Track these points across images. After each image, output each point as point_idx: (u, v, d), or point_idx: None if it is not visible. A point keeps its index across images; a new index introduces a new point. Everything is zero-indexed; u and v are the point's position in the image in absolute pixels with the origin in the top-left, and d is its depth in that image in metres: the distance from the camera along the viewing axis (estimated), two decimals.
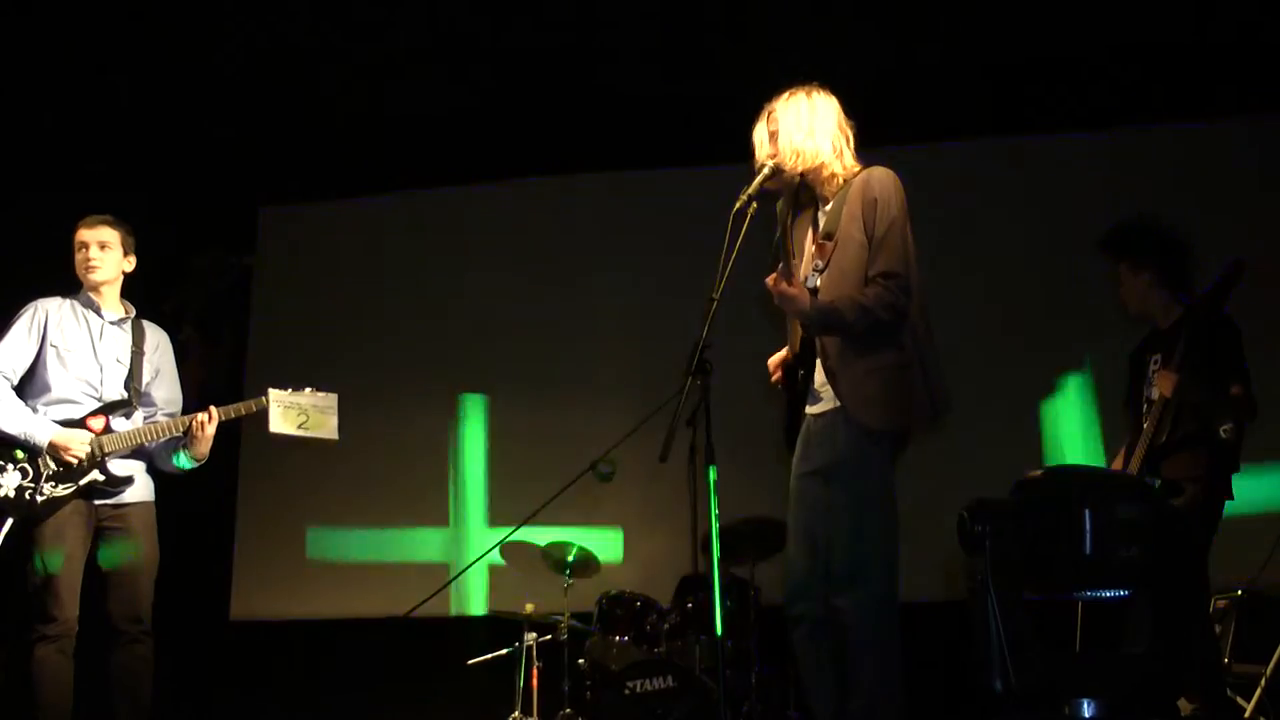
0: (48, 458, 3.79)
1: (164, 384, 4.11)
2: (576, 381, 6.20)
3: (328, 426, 3.97)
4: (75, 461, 3.79)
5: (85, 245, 4.01)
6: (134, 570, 3.88)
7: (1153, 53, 5.57)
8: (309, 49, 5.69)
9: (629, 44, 5.64)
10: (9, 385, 3.87)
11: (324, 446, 4.09)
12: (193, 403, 4.10)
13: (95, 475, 3.83)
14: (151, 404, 4.07)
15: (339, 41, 5.64)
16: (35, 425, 3.81)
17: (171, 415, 4.04)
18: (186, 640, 5.72)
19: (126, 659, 3.83)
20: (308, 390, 3.98)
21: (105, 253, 4.01)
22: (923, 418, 3.22)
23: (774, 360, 3.39)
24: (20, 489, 3.74)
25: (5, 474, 3.74)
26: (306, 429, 3.93)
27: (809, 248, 3.31)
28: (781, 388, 3.35)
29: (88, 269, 4.00)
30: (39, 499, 3.75)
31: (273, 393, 3.94)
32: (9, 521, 3.70)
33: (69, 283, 4.05)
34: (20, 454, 3.79)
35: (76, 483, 3.81)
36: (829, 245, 3.20)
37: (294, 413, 3.93)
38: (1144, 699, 2.24)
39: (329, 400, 3.98)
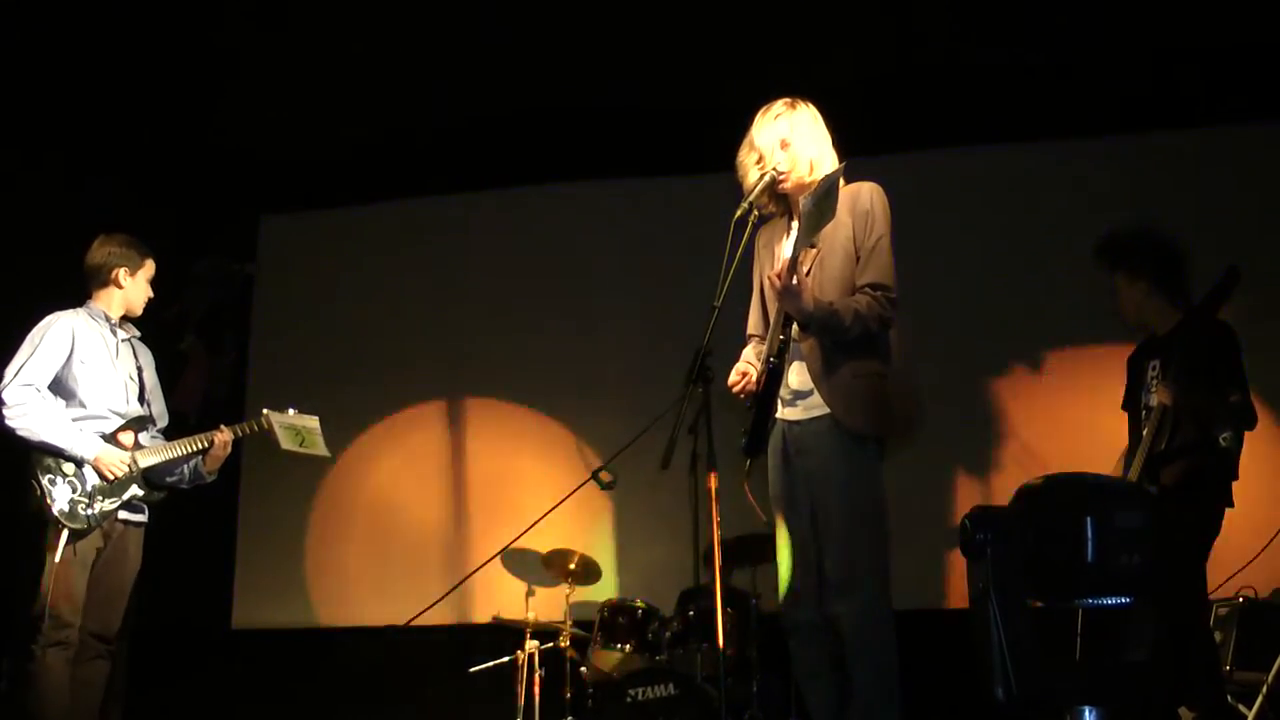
0: (91, 470, 3.78)
1: (158, 400, 4.15)
2: (578, 389, 6.20)
3: (319, 446, 4.25)
4: (114, 477, 3.79)
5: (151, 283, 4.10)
6: (120, 586, 3.88)
7: (1152, 56, 5.59)
8: (310, 55, 5.70)
9: (631, 49, 5.65)
10: (48, 396, 3.83)
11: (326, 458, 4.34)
12: (196, 409, 4.11)
13: (135, 490, 3.84)
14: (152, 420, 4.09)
15: (340, 49, 5.65)
16: (80, 439, 3.80)
17: (163, 430, 4.07)
18: (188, 649, 5.74)
19: (89, 674, 3.80)
20: (291, 411, 4.19)
21: None
22: (900, 426, 3.22)
23: (741, 368, 3.26)
24: (73, 502, 3.73)
25: (57, 486, 3.73)
26: (305, 448, 4.21)
27: (784, 254, 3.28)
28: (756, 390, 3.18)
29: (144, 305, 4.10)
30: (91, 513, 3.75)
31: (272, 415, 4.14)
32: (65, 533, 3.69)
33: (74, 294, 4.04)
34: (69, 467, 3.77)
35: (120, 497, 3.82)
36: (813, 253, 3.21)
37: (291, 432, 4.18)
38: (1146, 707, 2.24)
39: (313, 423, 4.23)
